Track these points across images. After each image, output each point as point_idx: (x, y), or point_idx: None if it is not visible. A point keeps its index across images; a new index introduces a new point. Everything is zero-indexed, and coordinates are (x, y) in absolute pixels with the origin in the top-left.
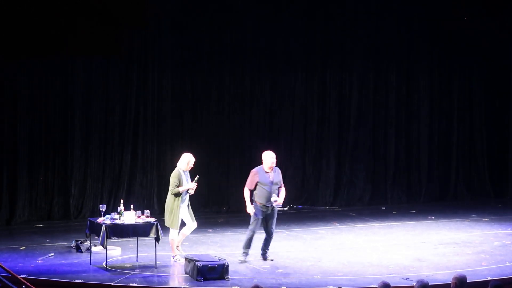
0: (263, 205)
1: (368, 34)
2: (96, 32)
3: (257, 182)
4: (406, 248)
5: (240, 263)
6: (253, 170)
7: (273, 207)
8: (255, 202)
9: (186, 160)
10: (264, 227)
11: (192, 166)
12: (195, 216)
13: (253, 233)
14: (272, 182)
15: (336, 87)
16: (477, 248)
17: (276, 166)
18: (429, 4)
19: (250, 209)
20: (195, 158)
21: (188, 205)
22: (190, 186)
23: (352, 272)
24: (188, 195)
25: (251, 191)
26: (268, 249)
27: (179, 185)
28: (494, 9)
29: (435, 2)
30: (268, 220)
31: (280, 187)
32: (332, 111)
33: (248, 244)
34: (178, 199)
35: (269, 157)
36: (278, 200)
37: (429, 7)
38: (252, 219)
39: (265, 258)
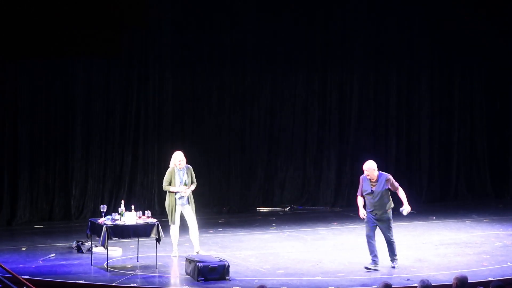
0: (369, 212)
1: (369, 34)
2: (97, 33)
3: (361, 189)
4: (407, 248)
5: (368, 271)
6: (360, 178)
7: (382, 213)
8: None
9: (172, 159)
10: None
11: (180, 163)
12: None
13: (368, 237)
14: (373, 191)
15: (336, 87)
16: (478, 248)
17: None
18: (429, 4)
19: (361, 213)
20: (193, 157)
21: (189, 205)
22: (179, 189)
23: (353, 272)
24: (185, 196)
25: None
26: (393, 256)
27: (170, 182)
28: (494, 9)
29: (435, 2)
30: (380, 227)
31: (396, 190)
32: (332, 111)
33: (370, 250)
34: (173, 196)
35: (368, 168)
36: (405, 208)
37: (429, 7)
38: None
39: (392, 265)
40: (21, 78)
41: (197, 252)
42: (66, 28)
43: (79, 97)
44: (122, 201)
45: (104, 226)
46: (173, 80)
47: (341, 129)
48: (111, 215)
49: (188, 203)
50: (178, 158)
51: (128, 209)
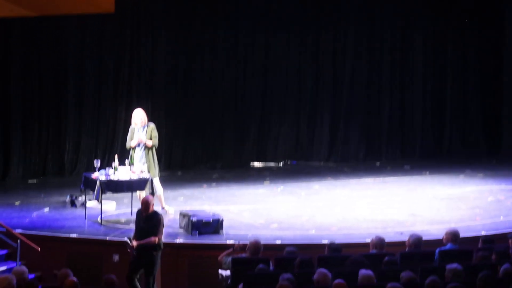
0: None
1: None
2: None
3: None
4: (401, 203)
5: None
6: None
7: None
8: None
9: (132, 117)
10: None
11: (137, 122)
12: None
13: None
14: None
15: (330, 45)
16: (471, 203)
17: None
18: None
19: None
20: (187, 113)
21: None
22: (130, 144)
23: (347, 227)
24: (139, 153)
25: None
26: None
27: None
28: None
29: None
30: None
31: None
32: (326, 70)
33: None
34: (132, 151)
35: None
36: None
37: None
38: None
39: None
40: (13, 35)
41: None
42: None
43: (72, 54)
44: (116, 156)
45: (98, 181)
46: (166, 38)
47: (334, 87)
48: (105, 169)
49: (143, 158)
50: (134, 117)
51: (121, 163)
